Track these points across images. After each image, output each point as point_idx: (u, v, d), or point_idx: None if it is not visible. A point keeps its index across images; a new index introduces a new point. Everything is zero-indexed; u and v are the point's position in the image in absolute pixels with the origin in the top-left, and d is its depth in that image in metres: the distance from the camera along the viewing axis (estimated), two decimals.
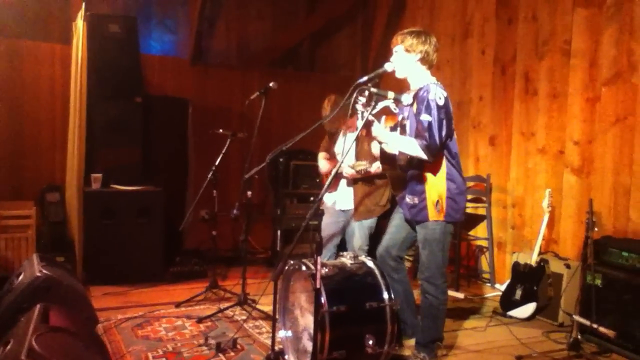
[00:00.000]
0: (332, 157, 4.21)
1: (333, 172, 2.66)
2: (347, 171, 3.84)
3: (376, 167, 3.83)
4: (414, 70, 3.09)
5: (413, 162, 3.08)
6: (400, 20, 6.40)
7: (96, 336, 2.99)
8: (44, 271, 2.85)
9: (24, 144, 5.33)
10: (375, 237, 4.00)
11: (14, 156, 5.28)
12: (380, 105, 2.80)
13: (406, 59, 3.07)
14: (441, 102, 2.94)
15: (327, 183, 2.59)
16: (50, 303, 2.48)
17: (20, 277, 2.92)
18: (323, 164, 4.25)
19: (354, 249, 3.89)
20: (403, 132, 3.16)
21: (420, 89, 3.02)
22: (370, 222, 3.98)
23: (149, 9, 5.92)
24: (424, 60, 3.07)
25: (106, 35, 4.83)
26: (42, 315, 2.29)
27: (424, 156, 2.94)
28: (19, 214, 4.42)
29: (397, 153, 3.14)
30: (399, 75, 3.13)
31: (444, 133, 2.94)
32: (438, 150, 2.96)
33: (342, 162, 2.76)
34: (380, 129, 3.06)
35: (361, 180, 3.93)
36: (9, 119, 5.26)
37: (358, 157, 3.88)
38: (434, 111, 2.90)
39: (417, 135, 2.97)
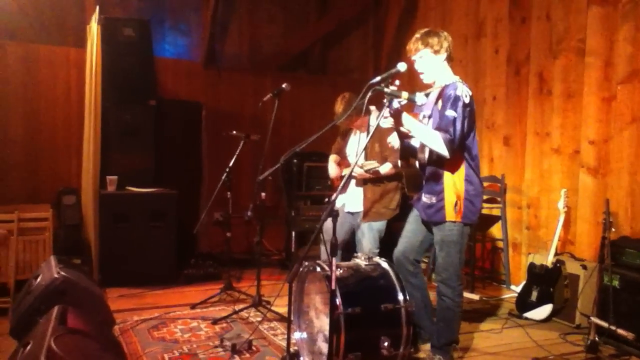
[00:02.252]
0: (343, 159, 4.19)
1: (347, 173, 2.66)
2: (356, 171, 3.80)
3: (387, 168, 3.81)
4: (441, 69, 3.09)
5: (432, 158, 3.07)
6: (412, 21, 6.39)
7: (113, 338, 3.01)
8: (62, 273, 2.87)
9: (40, 148, 5.39)
10: (387, 240, 3.98)
11: (31, 159, 5.35)
12: (396, 103, 2.79)
13: (434, 61, 3.07)
14: (467, 100, 2.93)
15: (341, 183, 2.59)
16: (67, 305, 2.50)
17: (39, 279, 2.95)
18: (332, 168, 4.21)
19: (364, 252, 3.87)
20: None
21: (447, 86, 3.01)
22: (379, 225, 3.95)
23: (162, 12, 5.97)
24: (449, 57, 3.09)
25: (120, 39, 4.88)
26: (60, 317, 2.31)
27: (444, 151, 2.92)
28: (36, 217, 4.45)
29: (418, 146, 3.13)
30: (427, 80, 3.13)
31: (466, 130, 2.95)
32: (459, 147, 2.95)
33: (356, 162, 2.75)
34: (409, 118, 3.04)
35: (371, 181, 3.91)
36: (26, 122, 5.33)
37: (368, 158, 3.86)
38: (460, 108, 2.90)
39: (440, 129, 2.95)
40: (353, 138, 4.15)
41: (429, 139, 2.97)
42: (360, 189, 3.97)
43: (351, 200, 4.03)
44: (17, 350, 2.17)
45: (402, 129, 3.02)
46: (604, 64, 4.14)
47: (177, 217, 4.85)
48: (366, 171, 3.61)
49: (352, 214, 4.04)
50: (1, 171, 5.23)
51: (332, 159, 4.27)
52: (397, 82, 2.73)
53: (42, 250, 4.31)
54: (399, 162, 3.75)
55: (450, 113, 2.91)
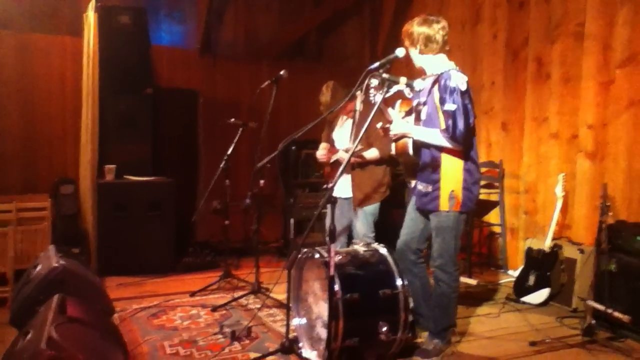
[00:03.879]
0: (331, 145, 4.19)
1: (343, 165, 2.64)
2: (341, 155, 3.81)
3: (372, 154, 3.82)
4: (432, 60, 3.08)
5: (430, 145, 3.07)
6: (409, 7, 6.35)
7: (112, 326, 3.02)
8: (61, 262, 2.88)
9: (36, 138, 5.37)
10: (382, 225, 3.98)
11: (27, 150, 5.33)
12: (393, 90, 2.79)
13: (423, 57, 3.08)
14: (464, 88, 2.93)
15: (340, 170, 2.58)
16: (67, 294, 2.51)
17: (38, 269, 2.96)
18: (320, 151, 4.15)
19: (359, 237, 3.88)
20: (418, 117, 3.15)
21: (441, 75, 2.99)
22: (372, 209, 3.95)
23: (158, 0, 5.92)
24: (443, 46, 3.06)
25: (116, 27, 4.86)
26: (60, 306, 2.32)
27: (450, 146, 2.96)
28: (34, 207, 4.46)
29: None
30: (417, 66, 3.13)
31: (470, 119, 2.95)
32: (464, 137, 2.94)
33: (354, 148, 2.73)
34: (402, 124, 3.08)
35: (358, 166, 3.90)
36: (21, 112, 5.31)
37: (353, 142, 3.85)
38: (458, 98, 2.89)
39: (446, 127, 2.95)
40: (339, 124, 4.15)
41: (431, 139, 3.02)
42: (349, 176, 3.97)
43: (342, 186, 4.01)
44: (18, 339, 2.18)
45: (408, 136, 3.07)
46: (603, 48, 4.12)
47: (175, 205, 4.85)
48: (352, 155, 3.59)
49: (346, 199, 4.05)
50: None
51: (322, 146, 4.26)
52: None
53: (40, 240, 4.32)
54: (389, 149, 3.75)
55: (449, 107, 2.90)
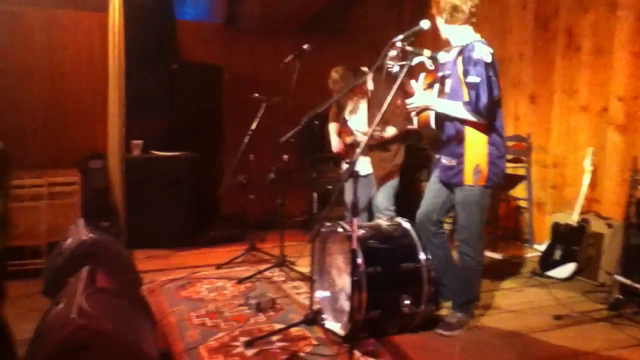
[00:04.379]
0: (342, 125, 4.16)
1: (362, 144, 2.62)
2: (361, 138, 3.79)
3: (391, 132, 3.79)
4: (458, 31, 3.03)
5: (454, 120, 3.03)
6: None
7: (141, 297, 3.09)
8: (90, 235, 2.95)
9: (65, 113, 5.46)
10: (406, 199, 3.98)
11: (55, 125, 5.43)
12: (416, 60, 2.75)
13: (450, 27, 3.03)
14: (488, 59, 2.88)
15: (359, 149, 2.56)
16: (96, 265, 2.57)
17: (68, 242, 3.03)
18: (335, 141, 4.18)
19: (380, 211, 3.89)
20: (442, 89, 3.11)
21: (465, 47, 2.94)
22: (393, 182, 3.96)
23: None
24: (470, 18, 3.00)
25: (141, 3, 4.86)
26: (90, 277, 2.38)
27: (473, 119, 2.93)
28: (65, 181, 4.56)
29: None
30: (443, 36, 3.09)
31: (495, 92, 2.91)
32: (488, 110, 2.90)
33: (372, 130, 2.70)
34: (424, 97, 3.05)
35: (376, 147, 3.89)
36: (50, 89, 5.39)
37: (369, 122, 3.82)
38: (482, 70, 2.85)
39: (469, 99, 2.91)
40: (351, 105, 4.12)
41: (456, 112, 2.99)
42: (367, 158, 3.96)
43: (360, 165, 4.00)
44: (50, 309, 2.26)
45: (430, 109, 3.03)
46: (636, 17, 3.98)
47: (199, 179, 4.91)
48: (372, 138, 3.57)
49: (365, 176, 4.05)
50: (27, 137, 5.32)
51: (333, 128, 4.24)
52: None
53: (71, 213, 4.43)
54: (405, 124, 3.73)
55: (473, 79, 2.86)
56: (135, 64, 4.86)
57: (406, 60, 2.73)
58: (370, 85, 3.87)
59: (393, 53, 2.67)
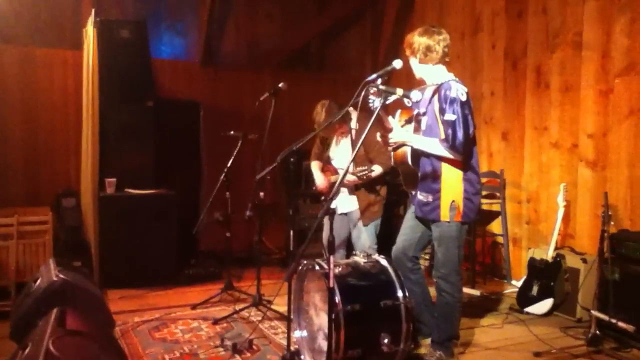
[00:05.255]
0: (326, 164, 4.18)
1: (337, 181, 2.63)
2: (349, 178, 3.80)
3: (378, 171, 3.82)
4: (432, 70, 3.10)
5: (429, 155, 3.07)
6: (410, 16, 6.38)
7: (113, 339, 3.01)
8: (61, 275, 2.87)
9: (38, 150, 5.40)
10: (383, 236, 3.98)
11: (29, 162, 5.36)
12: (392, 98, 2.79)
13: (424, 67, 3.09)
14: (464, 98, 2.94)
15: (335, 188, 2.54)
16: (67, 307, 2.50)
17: (38, 282, 2.95)
18: (319, 178, 4.17)
19: (364, 249, 3.87)
20: (418, 127, 3.16)
21: (441, 86, 3.00)
22: (376, 222, 3.97)
23: (158, 12, 5.97)
24: (443, 58, 3.07)
25: (117, 41, 4.88)
26: (59, 319, 2.31)
27: (450, 156, 2.97)
28: (36, 220, 4.47)
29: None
30: (417, 76, 3.15)
31: (470, 129, 2.96)
32: (465, 147, 2.95)
33: (347, 169, 2.69)
34: (402, 132, 3.09)
35: (363, 186, 3.90)
36: (24, 125, 5.35)
37: (355, 162, 3.84)
38: (458, 108, 2.90)
39: (446, 137, 2.96)
40: (335, 143, 4.15)
41: (431, 149, 3.03)
42: (353, 196, 3.97)
43: (342, 202, 4.02)
44: (16, 353, 2.17)
45: (408, 144, 3.07)
46: (601, 57, 4.13)
47: (178, 217, 4.85)
48: (359, 177, 3.59)
49: (345, 214, 4.05)
50: (0, 174, 5.23)
51: (316, 166, 4.25)
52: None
53: (42, 253, 4.32)
54: (390, 162, 3.75)
55: (449, 117, 2.91)
56: (111, 102, 4.84)
57: (381, 95, 2.76)
58: (354, 125, 3.90)
59: (373, 90, 2.71)
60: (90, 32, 4.65)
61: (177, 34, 6.15)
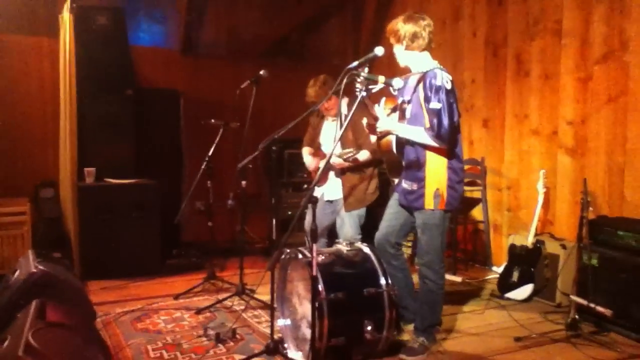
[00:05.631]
0: (316, 149, 4.17)
1: (322, 166, 2.64)
2: (335, 161, 3.78)
3: (365, 155, 3.80)
4: (418, 57, 3.09)
5: (414, 144, 3.07)
6: (391, 4, 6.36)
7: (95, 330, 2.98)
8: (40, 267, 2.83)
9: (15, 140, 5.28)
10: (368, 225, 3.98)
11: (6, 153, 5.24)
12: (378, 87, 2.79)
13: (409, 53, 3.07)
14: (449, 87, 2.94)
15: (318, 173, 2.57)
16: (46, 299, 2.46)
17: (16, 274, 2.90)
18: (309, 160, 4.18)
19: (347, 239, 3.87)
20: (402, 115, 3.15)
21: (426, 74, 2.98)
22: (360, 211, 3.96)
23: (136, 0, 5.86)
24: (429, 44, 3.06)
25: (94, 28, 4.79)
26: (39, 311, 2.28)
27: (435, 144, 2.97)
28: (13, 211, 4.40)
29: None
30: (402, 65, 3.13)
31: (455, 117, 2.96)
32: (449, 135, 2.95)
33: (332, 152, 2.71)
34: (387, 121, 3.08)
35: (349, 170, 3.90)
36: None
37: (343, 146, 3.84)
38: (443, 96, 2.90)
39: (430, 125, 2.96)
40: (325, 127, 4.13)
41: (416, 137, 3.02)
42: (339, 179, 3.96)
43: (329, 189, 4.03)
44: None
45: (393, 133, 3.07)
46: (580, 44, 4.16)
47: (159, 207, 4.80)
48: (345, 160, 3.58)
49: (331, 202, 4.05)
50: None
51: (306, 151, 4.24)
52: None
53: (20, 244, 4.27)
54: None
55: (434, 105, 2.91)
56: (89, 90, 4.76)
57: (367, 84, 2.75)
58: (344, 110, 3.88)
59: (360, 79, 2.70)
60: (66, 19, 4.55)
61: (156, 22, 6.05)
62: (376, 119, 3.14)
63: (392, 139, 3.18)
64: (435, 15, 5.51)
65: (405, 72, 3.20)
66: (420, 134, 2.99)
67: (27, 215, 4.51)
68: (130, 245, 4.66)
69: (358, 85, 2.73)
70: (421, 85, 3.00)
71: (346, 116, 3.78)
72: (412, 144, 3.07)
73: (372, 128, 3.16)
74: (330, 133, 4.08)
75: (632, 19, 3.79)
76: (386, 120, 3.13)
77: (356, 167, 3.88)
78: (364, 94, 2.73)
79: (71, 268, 4.31)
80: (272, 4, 6.57)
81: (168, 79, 5.88)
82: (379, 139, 3.25)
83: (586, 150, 4.14)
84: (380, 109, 3.21)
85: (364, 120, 3.24)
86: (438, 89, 2.90)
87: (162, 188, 4.86)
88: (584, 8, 4.12)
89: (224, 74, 6.17)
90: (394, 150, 3.18)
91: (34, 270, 2.77)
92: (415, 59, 3.09)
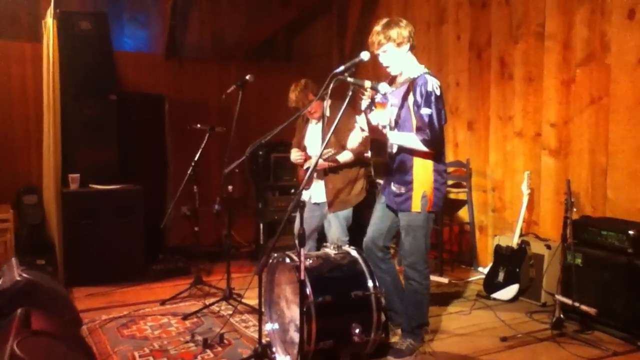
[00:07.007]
0: (302, 151, 4.17)
1: (311, 168, 2.65)
2: (314, 160, 3.78)
3: (346, 157, 3.81)
4: (406, 60, 3.10)
5: (401, 148, 3.09)
6: (375, 7, 6.39)
7: (80, 338, 2.95)
8: (24, 275, 2.81)
9: None
10: (355, 227, 3.99)
11: None
12: (377, 98, 2.83)
13: (398, 53, 3.05)
14: (438, 92, 2.96)
15: (306, 176, 2.57)
16: (31, 307, 2.44)
17: (0, 282, 2.87)
18: (295, 155, 4.15)
19: (333, 241, 3.88)
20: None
21: (416, 79, 2.99)
22: (345, 213, 3.96)
23: (119, 4, 5.83)
24: (412, 46, 3.08)
25: (77, 33, 4.74)
26: (24, 319, 2.25)
27: (425, 149, 2.99)
28: None
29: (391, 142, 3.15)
30: (394, 72, 3.13)
31: (443, 122, 2.99)
32: (439, 140, 2.99)
33: (320, 154, 2.73)
34: (391, 132, 3.10)
35: (331, 171, 3.90)
36: None
37: (325, 147, 3.83)
38: (433, 103, 2.92)
39: (419, 129, 2.98)
40: (310, 129, 4.14)
41: (407, 142, 3.04)
42: (319, 182, 3.97)
43: (316, 191, 4.03)
44: None
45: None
46: (563, 47, 4.21)
47: (144, 212, 4.77)
48: (325, 160, 3.57)
49: (318, 204, 4.05)
50: None
51: (294, 151, 4.24)
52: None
53: (3, 252, 4.22)
54: (360, 148, 3.76)
55: (425, 111, 2.93)
56: (73, 95, 4.72)
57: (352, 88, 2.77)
58: (327, 112, 3.88)
59: (368, 91, 2.74)
60: (50, 24, 4.51)
61: (139, 26, 6.02)
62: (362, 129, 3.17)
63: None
64: (420, 19, 5.56)
65: (388, 76, 3.20)
66: (413, 140, 3.00)
67: (10, 222, 4.46)
68: (116, 251, 4.62)
69: (364, 98, 2.84)
70: (411, 90, 3.01)
71: (329, 118, 3.81)
72: (401, 148, 3.09)
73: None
74: (314, 135, 4.08)
75: (612, 22, 3.84)
76: (375, 127, 3.11)
77: (338, 168, 3.88)
78: (365, 103, 2.77)
79: (55, 275, 4.27)
80: (256, 6, 6.58)
81: (153, 83, 5.85)
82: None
83: (569, 151, 4.19)
84: (363, 119, 3.21)
85: (359, 118, 3.23)
86: (429, 95, 2.93)
87: (147, 193, 4.82)
88: (566, 12, 4.17)
89: (209, 77, 6.16)
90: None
91: (18, 278, 2.75)
92: (408, 63, 3.10)
